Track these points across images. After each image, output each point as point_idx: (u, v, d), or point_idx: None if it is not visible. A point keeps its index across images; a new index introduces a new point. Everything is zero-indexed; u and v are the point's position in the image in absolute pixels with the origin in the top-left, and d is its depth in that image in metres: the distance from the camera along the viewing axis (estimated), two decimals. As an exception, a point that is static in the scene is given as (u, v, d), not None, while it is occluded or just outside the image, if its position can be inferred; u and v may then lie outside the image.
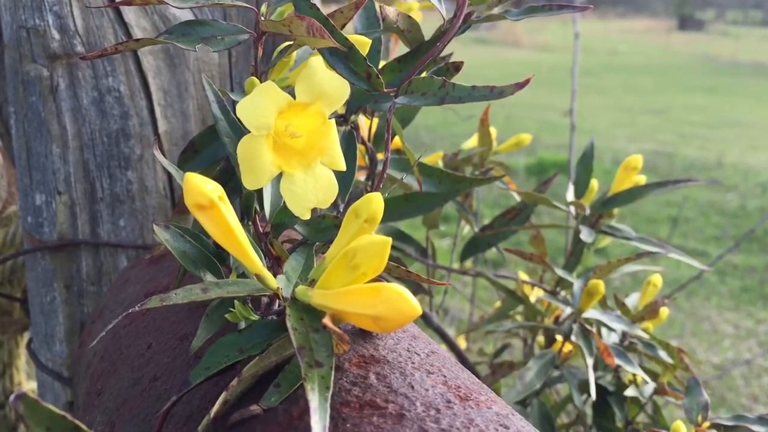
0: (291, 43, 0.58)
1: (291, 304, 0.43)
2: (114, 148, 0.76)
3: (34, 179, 0.76)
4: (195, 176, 0.41)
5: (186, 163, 0.58)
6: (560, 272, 0.90)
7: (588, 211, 0.90)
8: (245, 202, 0.54)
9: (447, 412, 0.38)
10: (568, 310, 0.91)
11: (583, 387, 0.92)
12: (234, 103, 0.60)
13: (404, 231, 1.02)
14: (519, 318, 1.15)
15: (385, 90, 0.54)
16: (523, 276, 1.08)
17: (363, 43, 0.58)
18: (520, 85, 0.49)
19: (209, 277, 0.49)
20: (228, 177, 0.58)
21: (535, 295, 1.12)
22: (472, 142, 1.10)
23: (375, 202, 0.45)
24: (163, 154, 0.78)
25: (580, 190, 0.92)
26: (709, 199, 5.35)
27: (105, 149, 0.75)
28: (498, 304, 1.21)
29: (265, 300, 0.47)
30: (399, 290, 0.38)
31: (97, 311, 0.71)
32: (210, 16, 0.75)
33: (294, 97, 0.49)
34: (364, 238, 0.41)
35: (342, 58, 0.54)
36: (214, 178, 0.59)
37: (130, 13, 0.74)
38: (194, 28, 0.53)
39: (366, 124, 0.78)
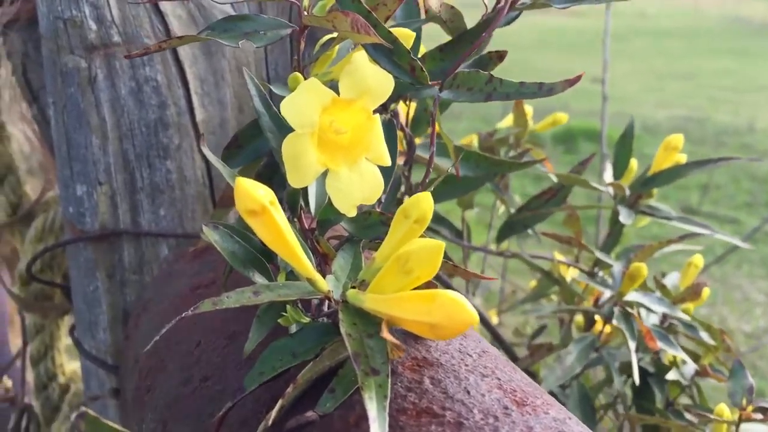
0: (332, 36, 0.57)
1: (343, 308, 0.42)
2: (153, 138, 0.76)
3: (75, 170, 0.76)
4: (246, 181, 0.41)
5: (230, 158, 0.58)
6: (600, 255, 0.89)
7: (627, 192, 0.89)
8: (290, 198, 0.54)
9: (505, 420, 0.38)
10: (608, 293, 0.90)
11: (623, 368, 0.92)
12: (272, 94, 0.60)
13: (439, 212, 1.01)
14: (555, 297, 1.15)
15: (429, 83, 0.53)
16: (559, 256, 1.07)
17: (407, 36, 0.57)
18: (571, 82, 0.48)
19: (258, 277, 0.49)
20: (272, 172, 0.57)
21: (570, 274, 1.11)
22: (507, 122, 1.09)
23: (425, 202, 0.45)
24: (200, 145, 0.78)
25: (620, 170, 0.91)
26: (740, 165, 5.27)
27: (144, 139, 0.75)
28: (533, 283, 1.21)
29: (315, 301, 0.47)
30: (455, 297, 0.37)
31: (142, 304, 0.72)
32: (247, 8, 0.75)
33: (337, 91, 0.49)
34: (417, 242, 0.41)
35: (385, 51, 0.53)
36: (258, 173, 0.59)
37: (165, 2, 0.74)
38: (236, 24, 0.53)
39: (403, 110, 0.78)
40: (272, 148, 0.53)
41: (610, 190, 0.90)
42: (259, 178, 0.58)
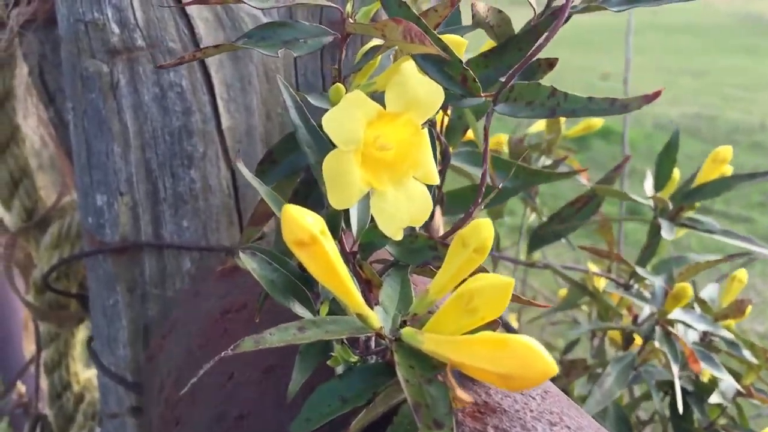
0: (375, 44, 0.53)
1: (397, 347, 0.39)
2: (176, 146, 0.72)
3: (95, 179, 0.73)
4: (293, 209, 0.37)
5: (263, 174, 0.54)
6: (641, 271, 0.85)
7: (670, 206, 0.85)
8: (330, 219, 0.50)
9: (584, 481, 0.34)
10: (647, 309, 0.86)
11: (661, 385, 0.88)
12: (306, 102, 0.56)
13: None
14: (585, 307, 1.11)
15: (482, 95, 0.49)
16: (593, 268, 1.03)
17: (458, 44, 0.53)
18: (649, 98, 0.43)
19: (298, 308, 0.45)
20: (310, 189, 0.54)
21: (602, 284, 1.08)
22: (538, 126, 1.05)
23: (485, 230, 0.41)
24: (226, 152, 0.75)
25: (661, 181, 0.87)
26: (754, 164, 5.20)
27: (167, 147, 0.72)
28: (563, 292, 1.17)
29: (362, 336, 0.44)
30: (530, 344, 0.33)
31: (168, 325, 0.68)
32: (277, 15, 0.71)
33: (380, 103, 0.45)
34: (483, 278, 0.37)
35: (435, 61, 0.49)
36: (295, 191, 0.55)
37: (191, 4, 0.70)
38: (275, 31, 0.49)
39: (438, 118, 0.74)
40: (310, 163, 0.49)
41: (652, 203, 0.86)
42: (296, 196, 0.54)
